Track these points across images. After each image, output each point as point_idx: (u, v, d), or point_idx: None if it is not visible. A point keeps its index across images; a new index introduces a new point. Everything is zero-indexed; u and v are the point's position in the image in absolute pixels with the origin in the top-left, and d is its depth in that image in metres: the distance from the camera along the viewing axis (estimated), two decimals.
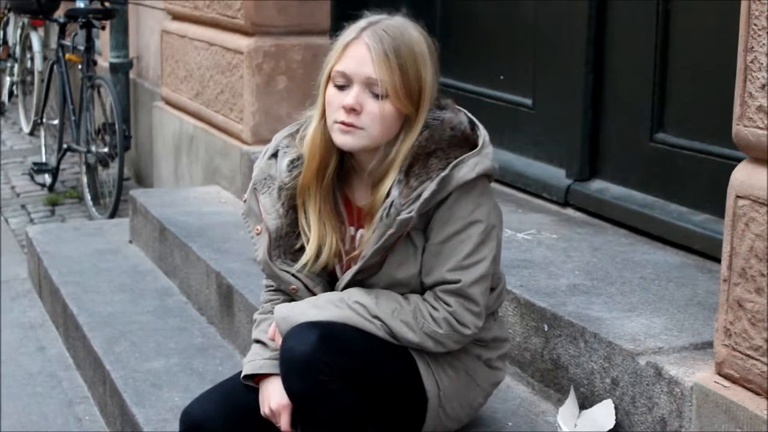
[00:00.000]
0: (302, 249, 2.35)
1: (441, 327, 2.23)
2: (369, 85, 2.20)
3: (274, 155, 2.37)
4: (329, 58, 2.26)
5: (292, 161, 2.33)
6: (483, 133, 2.28)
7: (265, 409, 2.30)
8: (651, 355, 2.41)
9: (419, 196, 2.18)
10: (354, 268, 2.28)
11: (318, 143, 2.28)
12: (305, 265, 2.33)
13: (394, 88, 2.19)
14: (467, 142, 2.25)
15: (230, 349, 3.52)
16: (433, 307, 2.23)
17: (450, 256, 2.22)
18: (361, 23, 2.25)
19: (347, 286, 2.30)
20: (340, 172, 2.34)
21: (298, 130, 2.37)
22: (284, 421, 2.27)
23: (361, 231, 2.33)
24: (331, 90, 2.24)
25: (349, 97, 2.20)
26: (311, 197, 2.31)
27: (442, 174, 2.18)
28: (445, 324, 2.22)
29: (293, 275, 2.33)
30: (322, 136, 2.27)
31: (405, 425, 2.33)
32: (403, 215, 2.18)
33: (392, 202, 2.20)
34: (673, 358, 2.40)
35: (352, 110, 2.20)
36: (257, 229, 2.36)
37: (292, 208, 2.33)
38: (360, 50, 2.21)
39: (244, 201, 2.41)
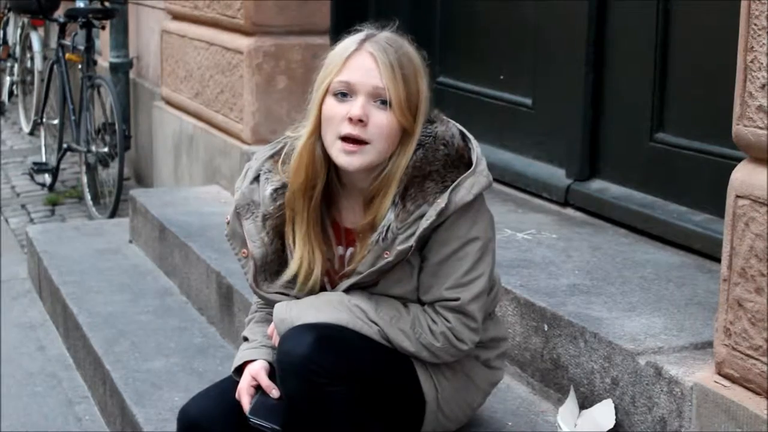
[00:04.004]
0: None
1: (438, 340, 2.23)
2: (375, 95, 2.16)
3: (256, 179, 2.32)
4: (326, 72, 2.20)
5: (276, 190, 2.28)
6: (475, 145, 2.26)
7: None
8: (651, 355, 2.41)
9: (417, 223, 2.17)
10: (348, 282, 2.26)
11: (306, 161, 2.22)
12: (291, 283, 2.29)
13: (398, 99, 2.16)
14: (461, 161, 2.23)
15: (230, 349, 3.51)
16: (433, 321, 2.23)
17: (448, 275, 2.21)
18: (358, 36, 2.22)
19: None
20: (325, 191, 2.27)
21: (279, 152, 2.32)
22: (244, 402, 2.26)
23: (350, 249, 2.30)
24: (331, 101, 2.18)
25: (356, 107, 2.15)
26: (299, 218, 2.25)
27: (441, 206, 2.16)
28: (443, 338, 2.22)
29: (282, 295, 2.31)
30: (311, 154, 2.21)
31: (403, 427, 2.32)
32: (403, 246, 2.17)
33: (389, 226, 2.18)
34: (673, 357, 2.40)
35: (359, 121, 2.15)
36: (244, 252, 2.33)
37: (277, 236, 2.29)
38: (365, 60, 2.17)
39: (227, 222, 2.36)
